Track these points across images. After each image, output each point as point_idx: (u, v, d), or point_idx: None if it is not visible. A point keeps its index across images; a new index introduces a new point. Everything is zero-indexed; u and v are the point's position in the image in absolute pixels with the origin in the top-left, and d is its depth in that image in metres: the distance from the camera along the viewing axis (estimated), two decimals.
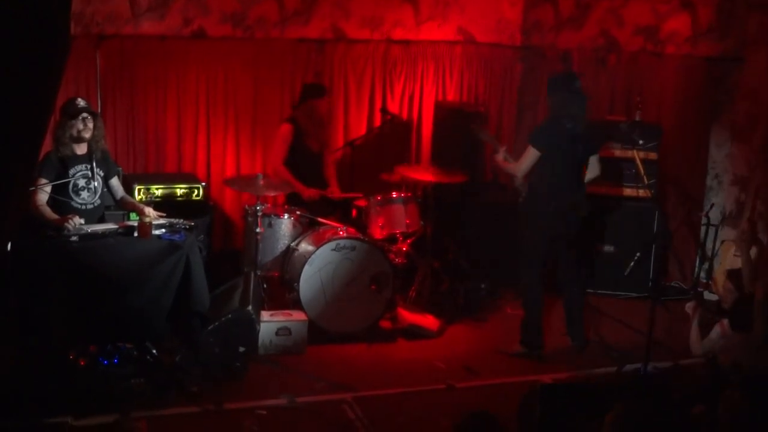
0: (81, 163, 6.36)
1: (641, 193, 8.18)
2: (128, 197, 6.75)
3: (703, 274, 8.62)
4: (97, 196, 6.47)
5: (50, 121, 6.05)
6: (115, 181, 6.66)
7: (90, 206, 6.42)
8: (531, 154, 6.84)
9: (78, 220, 6.11)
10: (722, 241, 8.24)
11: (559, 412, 5.06)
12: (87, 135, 6.40)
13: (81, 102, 6.44)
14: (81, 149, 6.42)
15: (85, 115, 6.38)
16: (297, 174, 7.74)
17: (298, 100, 8.00)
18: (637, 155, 7.64)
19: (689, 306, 7.14)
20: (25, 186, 5.26)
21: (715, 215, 8.50)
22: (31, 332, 5.96)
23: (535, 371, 6.68)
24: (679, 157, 8.69)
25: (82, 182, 6.37)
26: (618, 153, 8.41)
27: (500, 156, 7.16)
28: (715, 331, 6.79)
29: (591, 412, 4.56)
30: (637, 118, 8.46)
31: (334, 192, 7.92)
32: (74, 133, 6.34)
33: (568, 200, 6.85)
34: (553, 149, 6.80)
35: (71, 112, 6.35)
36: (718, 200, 8.63)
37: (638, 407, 4.32)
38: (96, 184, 6.43)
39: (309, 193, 7.69)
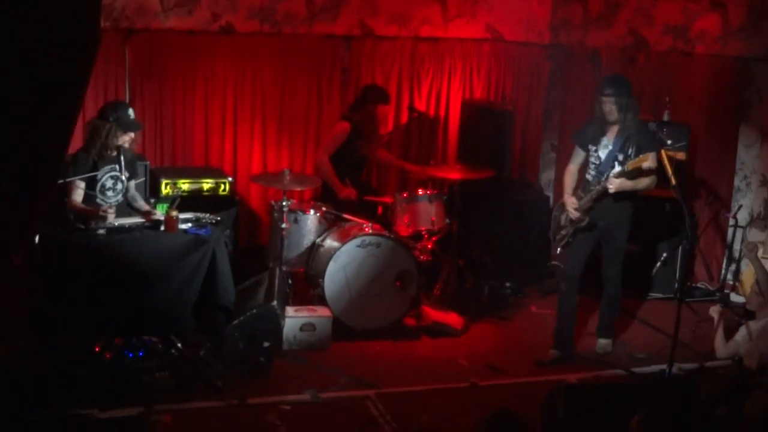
0: (110, 163, 6.37)
1: (669, 193, 8.12)
2: (138, 203, 6.71)
3: (729, 276, 8.56)
4: (121, 196, 6.47)
5: (79, 117, 6.07)
6: (132, 184, 6.65)
7: (114, 204, 6.42)
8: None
9: (112, 212, 6.14)
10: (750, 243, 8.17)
11: (583, 412, 5.05)
12: (131, 146, 6.44)
13: (132, 113, 6.45)
14: (110, 152, 6.41)
15: (132, 132, 6.43)
16: (338, 173, 7.76)
17: (359, 101, 8.01)
18: (665, 155, 7.57)
19: (714, 309, 7.10)
20: (53, 180, 5.29)
21: (742, 217, 8.44)
22: (58, 324, 6.01)
23: (559, 371, 6.66)
24: (707, 158, 8.62)
25: (109, 182, 6.38)
26: None
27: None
28: (741, 333, 6.74)
29: (615, 413, 4.54)
30: (666, 118, 8.40)
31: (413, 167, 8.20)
32: (113, 141, 6.32)
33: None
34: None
35: (126, 123, 6.34)
36: (746, 201, 8.57)
37: (663, 409, 4.30)
38: (121, 186, 6.44)
39: (345, 193, 7.71)
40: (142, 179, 7.04)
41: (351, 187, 7.75)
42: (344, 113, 8.14)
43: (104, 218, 6.06)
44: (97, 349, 6.18)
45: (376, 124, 7.99)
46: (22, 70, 4.77)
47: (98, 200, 6.34)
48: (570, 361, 6.87)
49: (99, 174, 6.30)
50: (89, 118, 6.60)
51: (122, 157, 6.37)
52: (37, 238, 5.71)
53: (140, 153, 7.12)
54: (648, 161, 6.56)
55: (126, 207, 6.55)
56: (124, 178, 6.43)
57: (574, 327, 7.02)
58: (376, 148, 8.18)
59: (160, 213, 6.48)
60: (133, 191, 6.66)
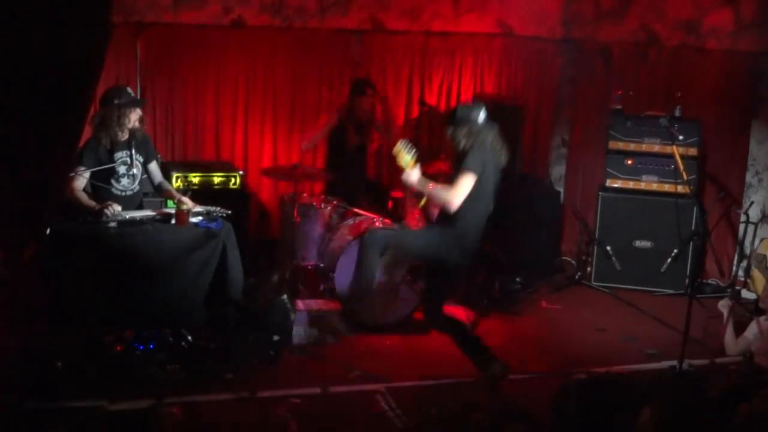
0: (122, 149, 6.39)
1: (680, 189, 8.11)
2: (166, 184, 6.77)
3: (741, 273, 8.54)
4: (137, 182, 6.50)
5: (90, 109, 6.08)
6: (153, 166, 6.68)
7: (129, 192, 6.46)
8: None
9: (116, 208, 6.14)
10: (761, 239, 8.15)
11: (594, 407, 5.03)
12: (137, 125, 6.43)
13: (131, 92, 6.47)
14: (122, 136, 6.44)
15: (138, 108, 6.43)
16: (333, 167, 7.76)
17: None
18: (676, 151, 7.56)
19: (722, 304, 7.08)
20: (66, 172, 5.31)
21: (754, 213, 8.42)
22: (69, 316, 6.02)
23: (569, 366, 6.65)
24: (718, 154, 8.60)
25: (122, 169, 6.40)
26: (657, 148, 8.34)
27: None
28: (752, 330, 6.74)
29: (626, 408, 4.53)
30: (677, 114, 8.38)
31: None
32: (126, 122, 6.34)
33: None
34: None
35: (124, 102, 6.36)
36: (758, 198, 8.54)
37: (673, 404, 4.29)
38: (135, 170, 6.46)
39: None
40: (159, 158, 7.03)
41: (351, 182, 7.83)
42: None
43: (101, 214, 6.06)
44: (107, 342, 6.18)
45: (358, 115, 7.96)
46: (34, 64, 4.79)
47: (113, 189, 6.35)
48: None
49: (111, 159, 6.31)
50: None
51: (134, 141, 6.39)
52: (48, 231, 5.71)
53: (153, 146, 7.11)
54: None
55: (139, 195, 6.55)
56: (138, 162, 6.43)
57: None
58: (372, 139, 8.17)
59: (189, 201, 6.47)
60: (154, 173, 6.68)
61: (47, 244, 5.85)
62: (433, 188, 6.00)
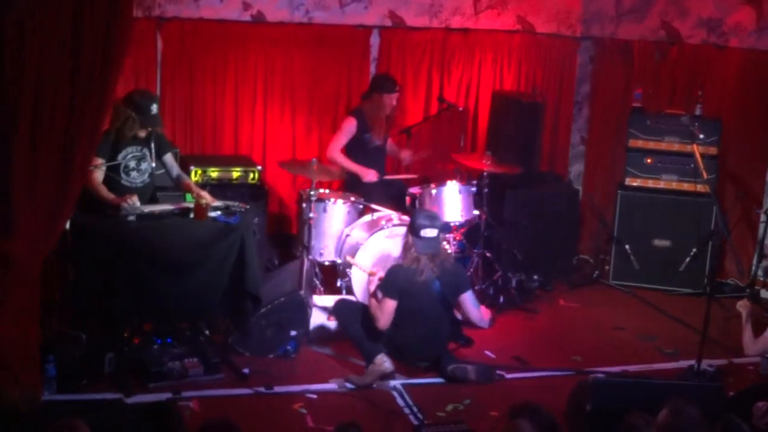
0: (134, 144, 6.37)
1: (700, 188, 8.07)
2: (185, 177, 6.74)
3: (760, 273, 8.48)
4: (147, 176, 6.47)
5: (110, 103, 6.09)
6: (169, 158, 6.61)
7: (139, 185, 6.41)
8: None
9: (135, 200, 6.14)
10: None
11: (609, 406, 5.03)
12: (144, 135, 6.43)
13: (156, 109, 6.38)
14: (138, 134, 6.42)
15: (156, 128, 6.42)
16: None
17: (367, 91, 7.99)
18: (696, 150, 7.53)
19: (741, 304, 7.04)
20: (85, 166, 5.33)
21: None
22: (88, 310, 6.05)
23: (586, 365, 6.63)
24: (739, 153, 8.54)
25: (132, 163, 6.37)
26: (677, 147, 8.31)
27: None
28: None
29: (642, 408, 4.52)
30: (698, 113, 8.34)
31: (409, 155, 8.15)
32: (135, 132, 6.33)
33: None
34: None
35: (145, 119, 6.28)
36: None
37: (690, 404, 4.27)
38: (146, 165, 6.44)
39: (369, 175, 7.72)
40: (177, 150, 7.03)
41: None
42: (355, 106, 8.11)
43: (121, 208, 6.08)
44: (125, 335, 6.21)
45: (384, 113, 7.93)
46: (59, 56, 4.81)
47: (123, 181, 6.35)
48: None
49: (120, 157, 6.30)
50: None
51: (152, 143, 6.40)
52: (68, 224, 5.73)
53: (170, 141, 7.12)
54: None
55: (149, 188, 6.55)
56: (150, 157, 6.43)
57: None
58: (386, 138, 8.14)
59: (208, 196, 6.46)
60: (170, 164, 6.66)
61: (67, 237, 5.87)
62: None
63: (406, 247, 6.50)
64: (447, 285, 6.48)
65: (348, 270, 7.06)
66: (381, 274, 6.53)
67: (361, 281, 6.97)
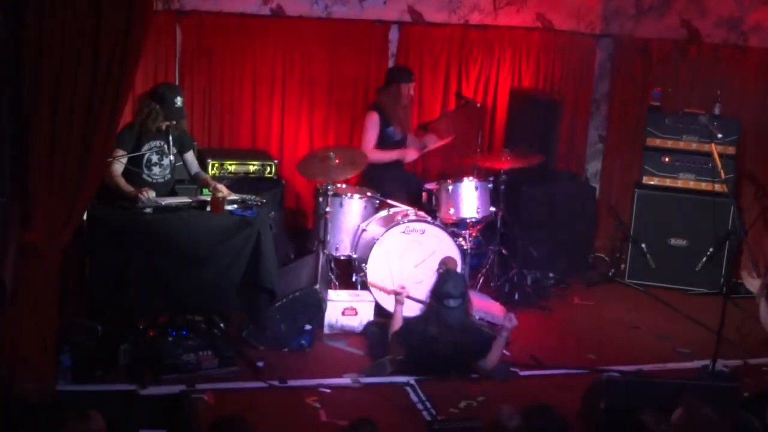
0: (157, 139, 6.40)
1: (717, 187, 8.03)
2: (202, 174, 6.78)
3: None
4: (168, 171, 6.51)
5: (129, 95, 6.11)
6: (190, 156, 6.70)
7: (160, 180, 6.46)
8: None
9: (151, 193, 6.17)
10: None
11: (624, 406, 5.01)
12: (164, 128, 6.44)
13: (180, 101, 6.41)
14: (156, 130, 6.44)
15: (180, 120, 6.46)
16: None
17: (384, 82, 7.99)
18: (714, 149, 7.49)
19: (752, 283, 6.92)
20: (103, 157, 5.35)
21: None
22: (104, 301, 6.08)
23: (601, 363, 6.62)
24: (758, 153, 8.50)
25: (155, 157, 6.41)
26: (695, 146, 8.28)
27: None
28: None
29: (656, 408, 4.51)
30: (717, 112, 8.30)
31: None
32: (160, 126, 6.35)
33: None
34: None
35: (170, 112, 6.33)
36: None
37: (705, 404, 4.26)
38: (168, 160, 6.47)
39: (410, 155, 7.94)
40: (196, 146, 7.05)
41: (393, 171, 7.80)
42: (373, 101, 8.11)
43: (137, 200, 6.09)
44: (140, 327, 6.23)
45: (401, 104, 7.92)
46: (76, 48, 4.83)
47: (144, 176, 6.38)
48: None
49: (144, 149, 6.33)
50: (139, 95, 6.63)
51: (170, 136, 6.41)
52: (85, 216, 5.76)
53: (189, 134, 7.14)
54: None
55: (170, 184, 6.58)
56: (172, 157, 6.46)
57: None
58: (410, 129, 8.14)
59: (225, 189, 6.47)
60: (190, 162, 6.70)
61: (84, 228, 5.90)
62: None
63: (428, 311, 6.42)
64: (462, 351, 6.30)
65: (363, 265, 7.06)
66: (407, 292, 6.56)
67: (388, 300, 6.93)
